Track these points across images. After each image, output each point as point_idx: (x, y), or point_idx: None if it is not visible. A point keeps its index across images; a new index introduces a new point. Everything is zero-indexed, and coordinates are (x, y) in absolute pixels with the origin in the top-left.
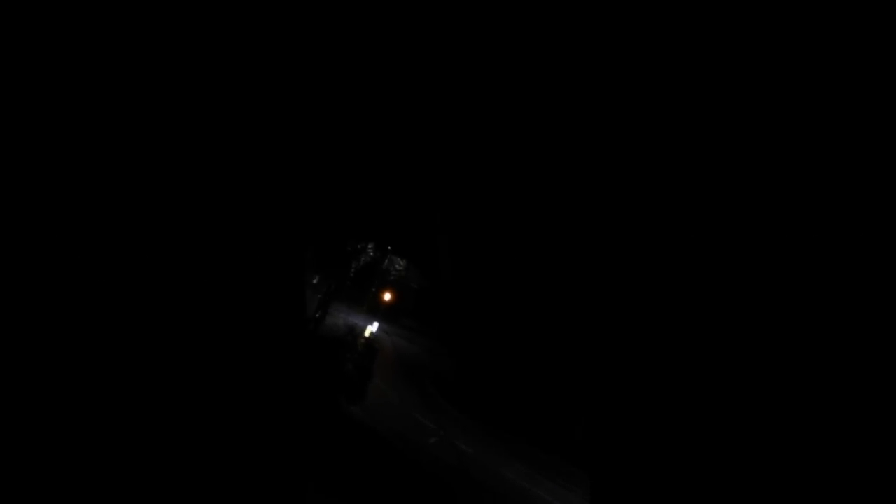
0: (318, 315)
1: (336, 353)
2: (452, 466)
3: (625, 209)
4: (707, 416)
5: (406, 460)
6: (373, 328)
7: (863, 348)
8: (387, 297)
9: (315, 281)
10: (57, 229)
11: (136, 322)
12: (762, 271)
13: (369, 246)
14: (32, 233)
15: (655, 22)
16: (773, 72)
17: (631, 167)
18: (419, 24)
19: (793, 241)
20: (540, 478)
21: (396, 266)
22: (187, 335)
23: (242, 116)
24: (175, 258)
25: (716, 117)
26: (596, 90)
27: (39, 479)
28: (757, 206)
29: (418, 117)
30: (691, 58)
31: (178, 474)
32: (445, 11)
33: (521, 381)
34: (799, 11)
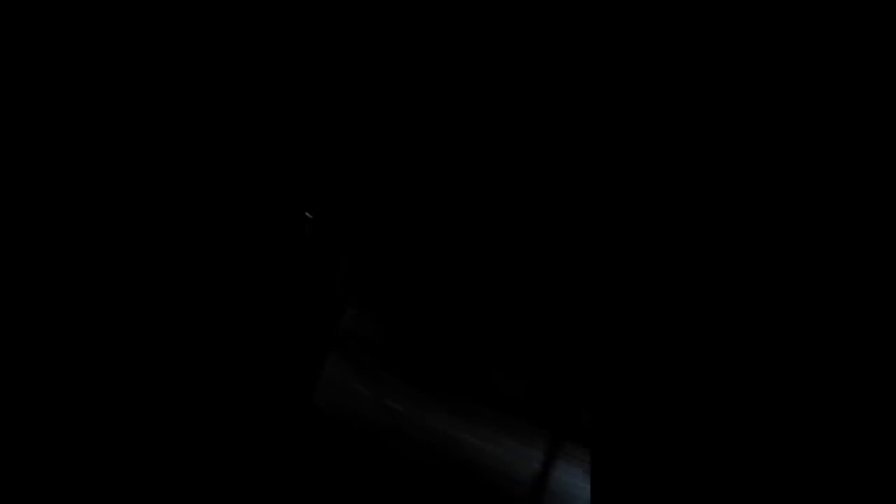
0: None
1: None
2: (387, 425)
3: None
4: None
5: (345, 428)
6: None
7: (869, 348)
8: None
9: None
10: (57, 229)
11: (135, 317)
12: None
13: None
14: (32, 233)
15: (655, 22)
16: (774, 72)
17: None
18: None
19: (794, 235)
20: (468, 425)
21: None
22: (176, 332)
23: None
24: (172, 257)
25: (716, 117)
26: (568, 88)
27: (39, 479)
28: (756, 204)
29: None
30: (691, 58)
31: (167, 467)
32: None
33: (448, 337)
34: (799, 11)
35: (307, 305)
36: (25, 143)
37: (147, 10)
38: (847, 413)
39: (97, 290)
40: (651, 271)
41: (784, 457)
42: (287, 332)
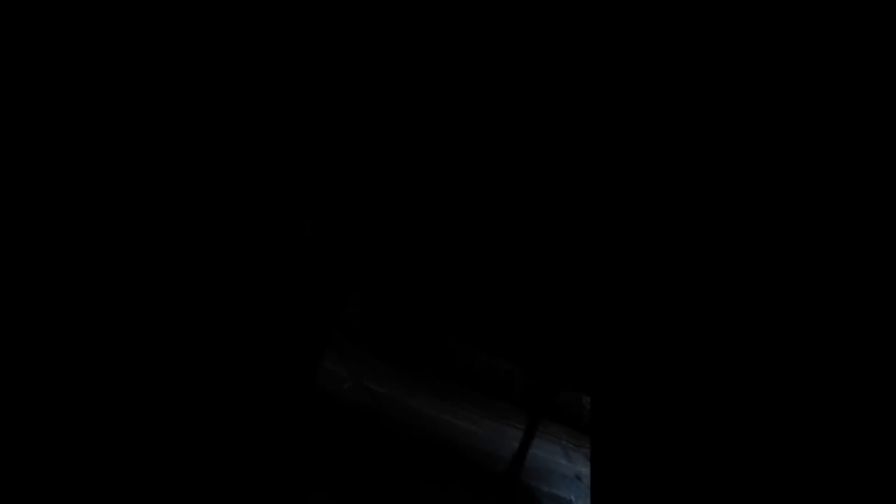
0: None
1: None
2: (367, 406)
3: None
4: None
5: (322, 409)
6: None
7: (870, 346)
8: None
9: None
10: (57, 229)
11: (134, 311)
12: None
13: None
14: (32, 233)
15: (654, 21)
16: (773, 72)
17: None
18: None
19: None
20: (448, 405)
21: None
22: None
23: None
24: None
25: (715, 117)
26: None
27: (39, 479)
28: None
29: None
30: (690, 58)
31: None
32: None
33: (427, 318)
34: (799, 11)
35: (305, 292)
36: (24, 142)
37: (147, 10)
38: (849, 401)
39: (95, 282)
40: (642, 245)
41: (783, 437)
42: (286, 319)
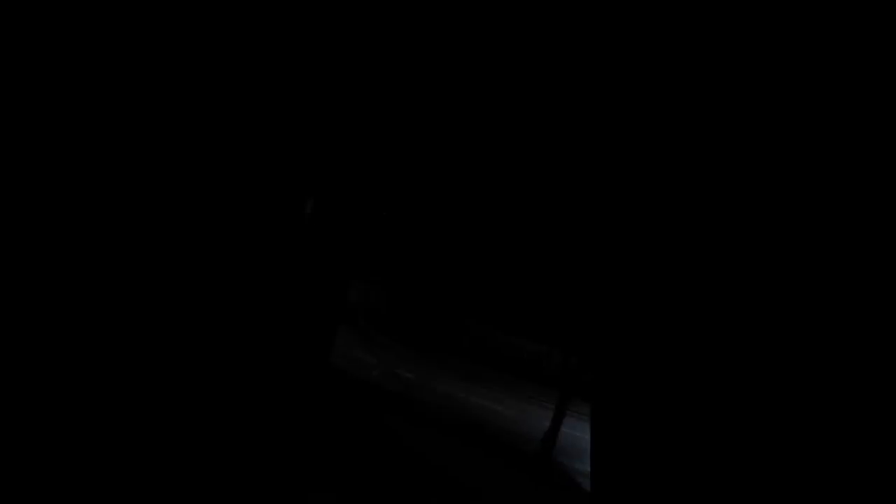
0: None
1: None
2: (397, 393)
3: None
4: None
5: (355, 397)
6: None
7: (870, 346)
8: None
9: None
10: (57, 229)
11: (132, 304)
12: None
13: None
14: (32, 233)
15: (655, 21)
16: (774, 72)
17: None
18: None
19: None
20: (477, 388)
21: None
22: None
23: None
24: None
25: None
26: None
27: (39, 479)
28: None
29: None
30: (690, 57)
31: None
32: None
33: (452, 303)
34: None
35: (315, 278)
36: (24, 142)
37: (147, 10)
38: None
39: (93, 280)
40: (655, 237)
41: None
42: (300, 303)
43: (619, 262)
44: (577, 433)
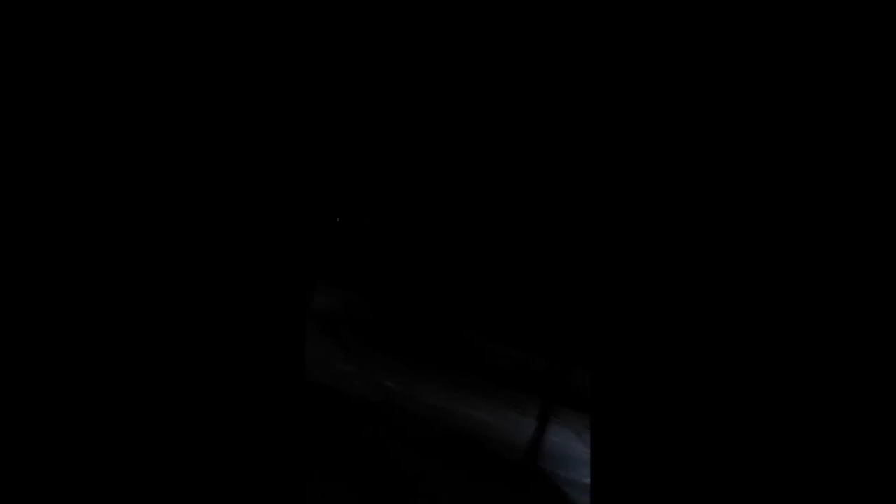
0: None
1: None
2: (379, 403)
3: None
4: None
5: (335, 409)
6: None
7: (870, 346)
8: None
9: None
10: (57, 229)
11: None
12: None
13: None
14: (32, 233)
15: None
16: (773, 72)
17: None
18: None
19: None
20: (460, 396)
21: None
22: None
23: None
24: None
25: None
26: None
27: (39, 480)
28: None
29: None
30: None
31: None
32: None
33: (434, 310)
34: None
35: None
36: (23, 142)
37: (147, 10)
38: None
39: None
40: (645, 236)
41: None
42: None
43: (620, 263)
44: (563, 440)
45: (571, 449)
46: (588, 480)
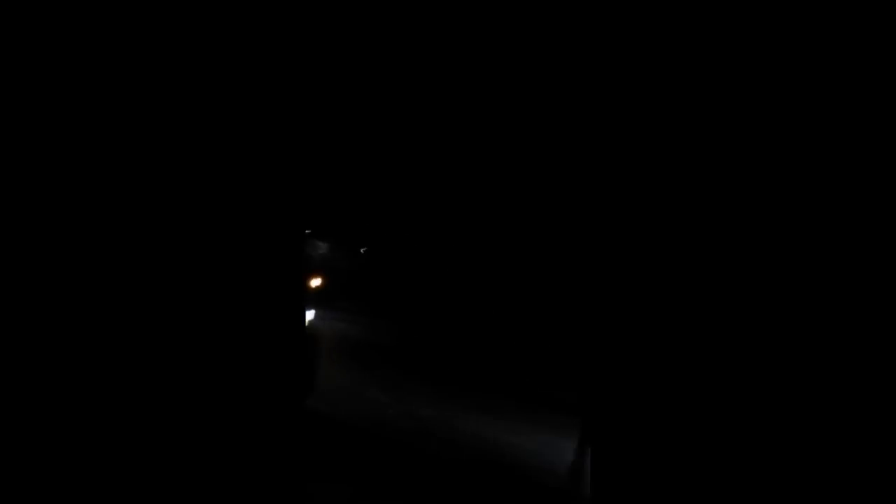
0: None
1: None
2: (413, 430)
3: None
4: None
5: (369, 437)
6: (307, 316)
7: (870, 346)
8: (314, 282)
9: None
10: (57, 229)
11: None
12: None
13: None
14: (32, 233)
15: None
16: (773, 72)
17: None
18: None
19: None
20: (495, 421)
21: (318, 250)
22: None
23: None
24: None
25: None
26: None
27: (39, 480)
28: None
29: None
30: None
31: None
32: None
33: (464, 335)
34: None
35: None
36: (23, 142)
37: (146, 10)
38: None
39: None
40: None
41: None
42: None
43: (620, 267)
44: None
45: None
46: None
